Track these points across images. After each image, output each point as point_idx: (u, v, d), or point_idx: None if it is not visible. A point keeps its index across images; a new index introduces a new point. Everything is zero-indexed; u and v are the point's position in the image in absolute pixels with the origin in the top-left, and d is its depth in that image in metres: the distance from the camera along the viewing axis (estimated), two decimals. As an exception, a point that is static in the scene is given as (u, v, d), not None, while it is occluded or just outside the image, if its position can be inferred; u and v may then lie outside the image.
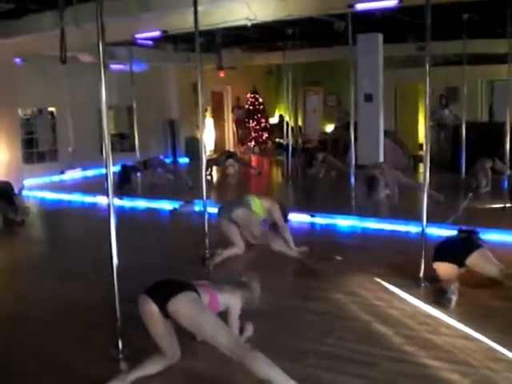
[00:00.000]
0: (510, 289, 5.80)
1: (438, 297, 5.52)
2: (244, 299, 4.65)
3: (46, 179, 14.59)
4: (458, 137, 11.96)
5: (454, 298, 5.40)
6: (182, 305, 4.10)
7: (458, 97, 14.84)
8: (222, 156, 15.32)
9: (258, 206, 7.46)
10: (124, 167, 12.67)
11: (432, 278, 5.88)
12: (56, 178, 14.96)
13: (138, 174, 13.11)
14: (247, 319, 4.85)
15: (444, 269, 5.75)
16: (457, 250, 5.81)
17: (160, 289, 4.21)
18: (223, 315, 4.44)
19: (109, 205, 4.52)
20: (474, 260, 5.68)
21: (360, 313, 5.37)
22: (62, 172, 15.25)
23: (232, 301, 4.55)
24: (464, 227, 6.28)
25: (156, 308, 4.10)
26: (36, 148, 15.24)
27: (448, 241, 6.15)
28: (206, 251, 7.10)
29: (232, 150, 19.00)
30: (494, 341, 4.59)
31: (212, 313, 4.22)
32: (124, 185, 12.29)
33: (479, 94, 18.14)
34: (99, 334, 4.91)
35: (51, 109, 15.52)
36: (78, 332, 5.10)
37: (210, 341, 4.07)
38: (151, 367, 4.14)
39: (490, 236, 7.44)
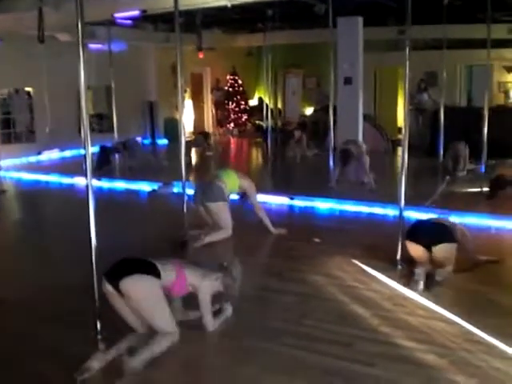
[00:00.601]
0: (487, 272, 5.89)
1: (408, 279, 5.59)
2: (223, 285, 4.64)
3: (23, 160, 14.44)
4: (436, 121, 12.02)
5: (422, 281, 5.46)
6: (131, 287, 4.12)
7: (437, 81, 14.92)
8: (198, 137, 15.29)
9: (232, 179, 7.50)
10: (103, 148, 12.58)
11: (409, 260, 5.94)
12: (33, 159, 14.82)
13: (117, 156, 13.02)
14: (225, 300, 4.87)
15: (415, 249, 5.78)
16: (429, 234, 5.80)
17: (117, 268, 4.24)
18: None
19: (87, 186, 4.49)
20: (439, 250, 5.67)
21: (337, 294, 5.42)
22: (40, 153, 15.09)
23: (202, 283, 4.47)
24: (445, 217, 6.31)
25: (110, 287, 4.15)
26: (13, 128, 15.06)
27: (423, 223, 6.19)
28: (187, 233, 7.10)
29: (210, 131, 18.92)
30: (471, 323, 4.65)
31: (160, 298, 4.22)
32: (103, 166, 12.20)
33: (458, 78, 18.23)
34: (77, 315, 4.90)
35: (28, 89, 15.31)
36: (55, 313, 5.07)
37: (150, 323, 4.22)
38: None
39: (467, 220, 7.54)
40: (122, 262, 4.31)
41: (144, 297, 4.15)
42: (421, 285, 5.43)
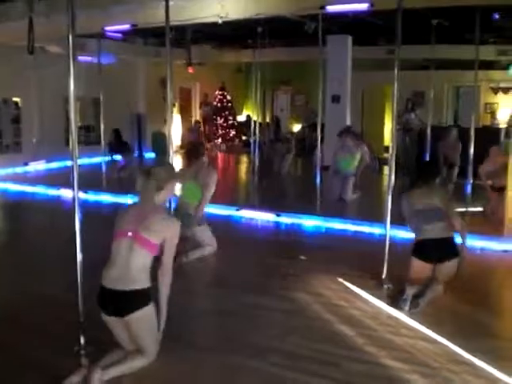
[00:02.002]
0: (471, 292, 5.91)
1: (396, 298, 5.59)
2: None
3: (10, 170, 14.36)
4: (423, 140, 12.09)
5: (409, 301, 5.45)
6: (136, 323, 4.08)
7: (424, 101, 15.04)
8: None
9: (193, 193, 7.29)
10: (117, 130, 13.52)
11: (395, 279, 5.94)
12: (20, 170, 14.75)
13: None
14: (209, 316, 4.85)
15: (421, 268, 5.72)
16: (440, 250, 5.71)
17: (117, 301, 4.09)
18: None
19: (73, 198, 4.47)
20: (449, 266, 5.64)
21: (323, 312, 5.41)
22: (26, 164, 15.04)
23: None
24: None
25: (113, 318, 4.11)
26: (0, 139, 14.98)
27: (433, 240, 5.79)
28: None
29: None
30: (455, 343, 4.66)
31: (155, 325, 4.23)
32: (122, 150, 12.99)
33: (445, 99, 18.40)
34: (61, 328, 4.85)
35: (16, 99, 15.27)
36: (39, 326, 5.02)
37: (139, 348, 4.17)
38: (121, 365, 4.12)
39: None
40: (116, 293, 4.08)
41: (145, 328, 4.16)
42: (407, 304, 5.42)
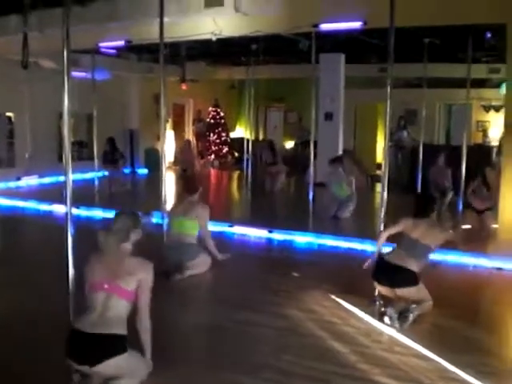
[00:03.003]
0: (463, 308, 5.92)
1: (383, 316, 5.59)
2: None
3: (2, 185, 14.31)
4: (415, 158, 12.16)
5: (395, 318, 5.45)
6: (108, 369, 3.96)
7: (417, 119, 15.12)
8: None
9: (192, 226, 7.38)
10: (112, 139, 13.54)
11: (387, 296, 5.95)
12: (12, 184, 14.70)
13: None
14: (202, 333, 4.83)
15: (381, 288, 5.81)
16: (390, 277, 5.72)
17: (92, 346, 3.94)
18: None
19: (66, 213, 4.47)
20: (403, 292, 5.65)
21: (316, 329, 5.40)
22: (19, 178, 15.00)
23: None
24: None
25: (84, 367, 3.96)
26: (-8, 153, 14.97)
27: (385, 264, 5.83)
28: (168, 264, 7.06)
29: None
30: (447, 360, 4.66)
31: (134, 362, 4.09)
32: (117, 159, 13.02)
33: (437, 116, 18.51)
34: (53, 343, 4.82)
35: (9, 114, 15.26)
36: (32, 341, 4.99)
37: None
38: None
39: (446, 257, 7.57)
40: (91, 340, 3.93)
41: (122, 372, 4.03)
42: (395, 321, 5.42)
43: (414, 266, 5.69)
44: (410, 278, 5.67)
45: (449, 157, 11.45)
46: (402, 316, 5.46)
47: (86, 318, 4.02)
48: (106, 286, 4.02)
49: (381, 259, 5.88)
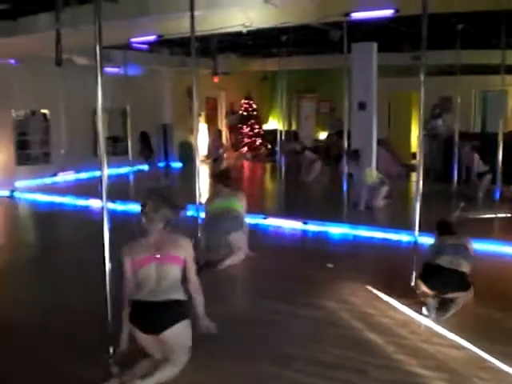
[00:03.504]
0: (501, 298, 5.85)
1: (421, 306, 5.54)
2: None
3: (39, 181, 14.55)
4: (449, 146, 12.01)
5: (432, 309, 5.41)
6: (173, 338, 4.16)
7: (452, 107, 14.90)
8: None
9: (236, 204, 7.60)
10: (144, 133, 13.49)
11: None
12: (48, 181, 14.92)
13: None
14: (237, 324, 4.85)
15: (426, 291, 5.68)
16: (444, 284, 5.59)
17: (153, 317, 4.16)
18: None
19: (102, 208, 4.51)
20: (454, 296, 5.59)
21: (351, 320, 5.38)
22: (55, 174, 15.20)
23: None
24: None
25: (150, 337, 4.17)
26: (29, 150, 15.19)
27: (440, 270, 5.68)
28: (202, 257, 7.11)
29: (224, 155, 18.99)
30: (484, 350, 4.61)
31: (187, 342, 4.28)
32: (148, 152, 13.12)
33: (472, 104, 18.24)
34: (91, 338, 4.89)
35: (44, 111, 15.47)
36: (69, 336, 5.07)
37: (169, 358, 4.20)
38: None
39: (482, 246, 7.47)
40: (154, 307, 4.17)
41: (181, 342, 4.23)
42: (434, 312, 5.38)
43: (466, 268, 5.65)
44: (464, 283, 5.63)
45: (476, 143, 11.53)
46: (444, 308, 5.43)
47: (144, 290, 4.17)
48: (157, 256, 4.22)
49: (430, 264, 5.77)
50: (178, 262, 4.27)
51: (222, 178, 7.84)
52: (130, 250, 4.28)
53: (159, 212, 4.31)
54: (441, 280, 5.59)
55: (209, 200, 7.84)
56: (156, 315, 4.15)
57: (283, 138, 12.94)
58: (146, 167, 14.10)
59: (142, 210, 4.36)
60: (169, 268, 4.22)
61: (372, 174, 10.95)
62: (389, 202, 10.77)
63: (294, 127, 21.26)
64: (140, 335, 4.17)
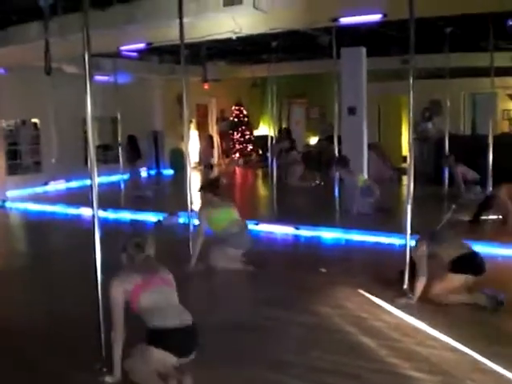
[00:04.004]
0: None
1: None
2: None
3: (30, 191, 14.50)
4: (440, 149, 12.05)
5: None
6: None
7: (442, 110, 14.97)
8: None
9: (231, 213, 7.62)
10: (132, 137, 13.43)
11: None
12: (39, 190, 14.88)
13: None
14: (231, 330, 4.83)
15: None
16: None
17: (196, 335, 4.19)
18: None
19: (93, 216, 4.50)
20: None
21: (344, 325, 5.38)
22: (46, 183, 15.17)
23: None
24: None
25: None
26: (19, 159, 15.14)
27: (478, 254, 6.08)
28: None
29: (215, 161, 19.01)
30: (478, 352, 4.61)
31: None
32: (136, 157, 13.13)
33: (462, 107, 18.31)
34: (83, 346, 4.87)
35: (35, 120, 15.44)
36: (62, 344, 5.05)
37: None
38: None
39: (474, 248, 7.48)
40: (190, 326, 4.17)
41: None
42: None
43: None
44: None
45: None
46: (498, 301, 5.58)
47: (164, 315, 4.09)
48: (159, 281, 4.19)
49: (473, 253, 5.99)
50: (173, 286, 4.30)
51: (211, 187, 7.80)
52: (128, 279, 4.17)
53: (146, 243, 4.34)
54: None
55: (205, 211, 7.58)
56: (193, 339, 4.14)
57: (276, 136, 12.96)
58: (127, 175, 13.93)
59: (137, 244, 4.32)
60: (171, 291, 4.25)
61: (361, 178, 10.90)
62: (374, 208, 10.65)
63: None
64: (171, 360, 4.06)
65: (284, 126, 20.99)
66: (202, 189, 7.97)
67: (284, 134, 17.47)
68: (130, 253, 4.29)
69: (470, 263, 5.87)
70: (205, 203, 7.86)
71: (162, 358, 4.00)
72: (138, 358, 4.01)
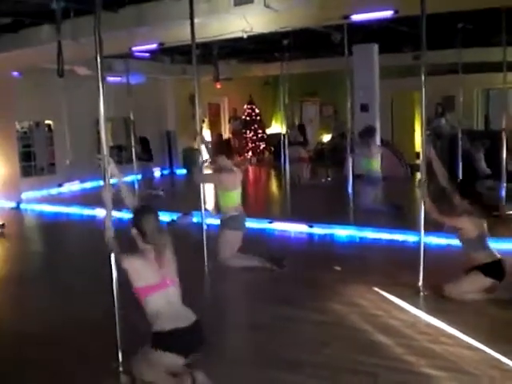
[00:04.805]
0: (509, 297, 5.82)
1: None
2: None
3: (44, 192, 14.59)
4: (454, 145, 11.98)
5: None
6: None
7: (454, 105, 14.89)
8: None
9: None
10: (143, 138, 13.59)
11: (431, 286, 5.90)
12: (54, 191, 14.97)
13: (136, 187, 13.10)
14: (245, 329, 4.84)
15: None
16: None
17: (201, 331, 4.18)
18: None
19: (107, 217, 4.50)
20: None
21: (359, 323, 5.37)
22: (60, 185, 15.25)
23: None
24: None
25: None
26: (33, 161, 15.23)
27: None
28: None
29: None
30: (495, 349, 4.59)
31: None
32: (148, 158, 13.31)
33: (475, 102, 18.21)
34: (99, 347, 4.89)
35: (48, 122, 15.52)
36: (78, 345, 5.08)
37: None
38: None
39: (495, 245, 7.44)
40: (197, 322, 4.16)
41: None
42: None
43: None
44: None
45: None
46: None
47: (169, 318, 4.08)
48: (168, 282, 4.16)
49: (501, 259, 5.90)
50: (177, 285, 4.27)
51: (224, 149, 7.52)
52: (141, 268, 4.14)
53: (156, 226, 4.24)
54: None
55: (224, 177, 7.17)
56: (196, 336, 4.12)
57: (288, 133, 12.94)
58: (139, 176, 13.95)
59: (158, 230, 4.24)
60: (177, 292, 4.22)
61: (373, 163, 10.50)
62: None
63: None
64: (180, 360, 4.04)
65: (297, 123, 20.98)
66: (215, 151, 7.46)
67: (298, 129, 17.47)
68: (147, 235, 4.18)
69: (500, 269, 5.82)
70: (218, 168, 7.33)
71: (170, 360, 4.01)
72: (146, 362, 4.03)
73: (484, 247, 5.86)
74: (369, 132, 10.41)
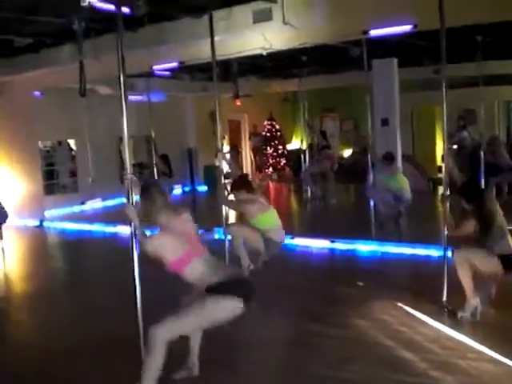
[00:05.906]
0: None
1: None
2: None
3: (67, 210, 14.72)
4: (476, 158, 11.91)
5: (468, 315, 5.51)
6: None
7: (476, 118, 14.82)
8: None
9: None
10: (164, 156, 13.25)
11: (455, 301, 5.86)
12: (77, 209, 15.10)
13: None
14: (268, 345, 4.82)
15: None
16: None
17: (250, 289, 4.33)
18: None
19: (131, 234, 4.54)
20: None
21: (382, 338, 5.34)
22: (83, 203, 15.38)
23: None
24: None
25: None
26: (56, 179, 15.40)
27: None
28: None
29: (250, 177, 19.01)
30: (520, 364, 4.54)
31: None
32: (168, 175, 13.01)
33: (496, 114, 18.11)
34: (123, 365, 4.90)
35: (70, 140, 15.70)
36: (102, 363, 5.10)
37: None
38: None
39: None
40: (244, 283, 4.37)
41: None
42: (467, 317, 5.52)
43: None
44: None
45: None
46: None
47: (222, 271, 4.29)
48: (201, 248, 4.37)
49: None
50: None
51: (244, 184, 7.52)
52: (175, 241, 4.29)
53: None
54: None
55: (248, 208, 7.28)
56: (251, 284, 4.38)
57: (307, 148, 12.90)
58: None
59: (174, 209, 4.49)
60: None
61: (397, 179, 10.44)
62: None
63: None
64: (239, 306, 4.18)
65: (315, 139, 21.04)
66: (234, 188, 7.47)
67: (319, 135, 17.52)
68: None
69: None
70: (245, 201, 7.36)
71: (229, 304, 4.13)
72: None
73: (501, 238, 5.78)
74: (389, 157, 10.42)
